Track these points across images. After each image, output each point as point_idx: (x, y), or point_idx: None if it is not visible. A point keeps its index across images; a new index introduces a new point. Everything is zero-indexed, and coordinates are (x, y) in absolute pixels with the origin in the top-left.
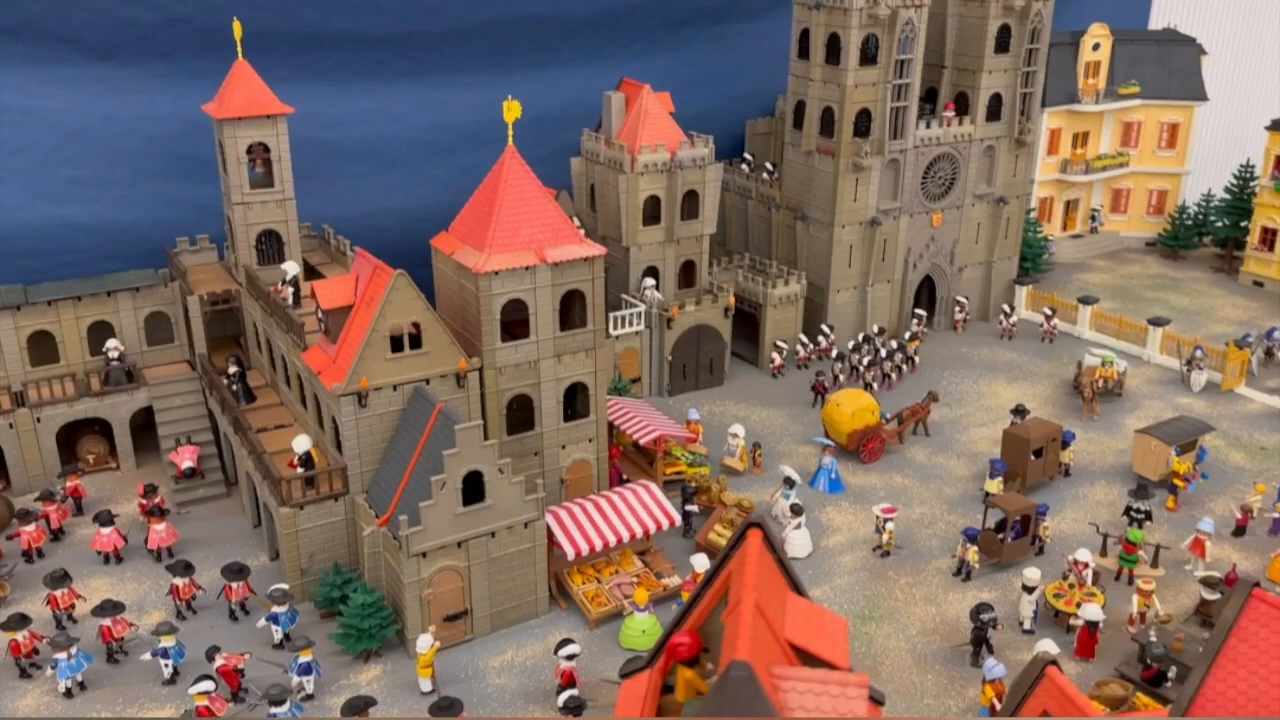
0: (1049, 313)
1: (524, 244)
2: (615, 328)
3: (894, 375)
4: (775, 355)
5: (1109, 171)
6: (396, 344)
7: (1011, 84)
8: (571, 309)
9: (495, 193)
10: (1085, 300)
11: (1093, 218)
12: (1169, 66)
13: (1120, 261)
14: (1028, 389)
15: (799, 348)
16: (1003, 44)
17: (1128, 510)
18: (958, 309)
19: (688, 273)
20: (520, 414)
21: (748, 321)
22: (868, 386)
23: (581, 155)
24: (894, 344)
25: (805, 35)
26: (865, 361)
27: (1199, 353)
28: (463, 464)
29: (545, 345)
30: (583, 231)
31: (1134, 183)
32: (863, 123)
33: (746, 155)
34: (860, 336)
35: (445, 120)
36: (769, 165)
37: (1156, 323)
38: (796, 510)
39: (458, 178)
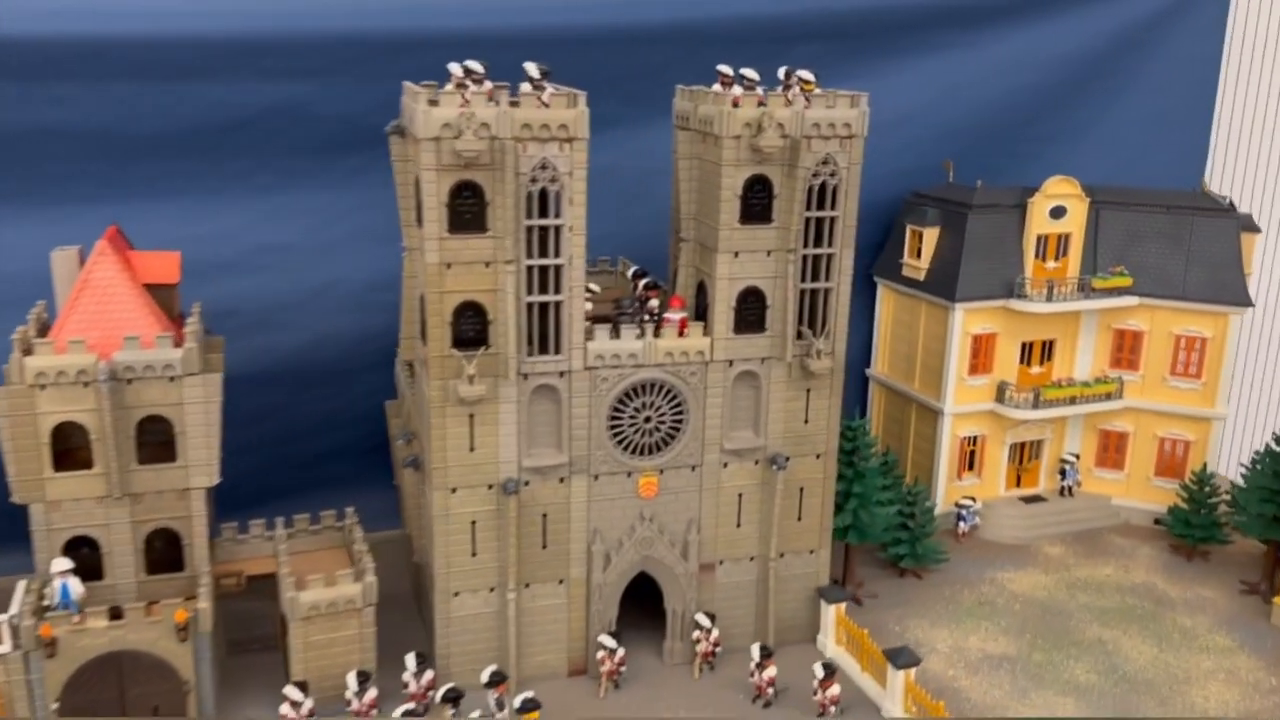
0: (821, 674)
1: None
2: None
3: None
4: (289, 710)
5: (1087, 404)
6: None
7: (779, 273)
8: None
9: None
10: (897, 659)
11: (1062, 473)
12: (1189, 248)
13: (1090, 550)
14: None
15: (349, 696)
16: (757, 209)
17: None
18: (698, 634)
19: (169, 550)
20: None
21: None
22: None
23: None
24: (496, 709)
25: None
26: None
27: None
28: None
29: None
30: None
31: (1134, 424)
32: (472, 324)
33: None
34: (487, 674)
35: None
36: None
37: None
38: None
39: None
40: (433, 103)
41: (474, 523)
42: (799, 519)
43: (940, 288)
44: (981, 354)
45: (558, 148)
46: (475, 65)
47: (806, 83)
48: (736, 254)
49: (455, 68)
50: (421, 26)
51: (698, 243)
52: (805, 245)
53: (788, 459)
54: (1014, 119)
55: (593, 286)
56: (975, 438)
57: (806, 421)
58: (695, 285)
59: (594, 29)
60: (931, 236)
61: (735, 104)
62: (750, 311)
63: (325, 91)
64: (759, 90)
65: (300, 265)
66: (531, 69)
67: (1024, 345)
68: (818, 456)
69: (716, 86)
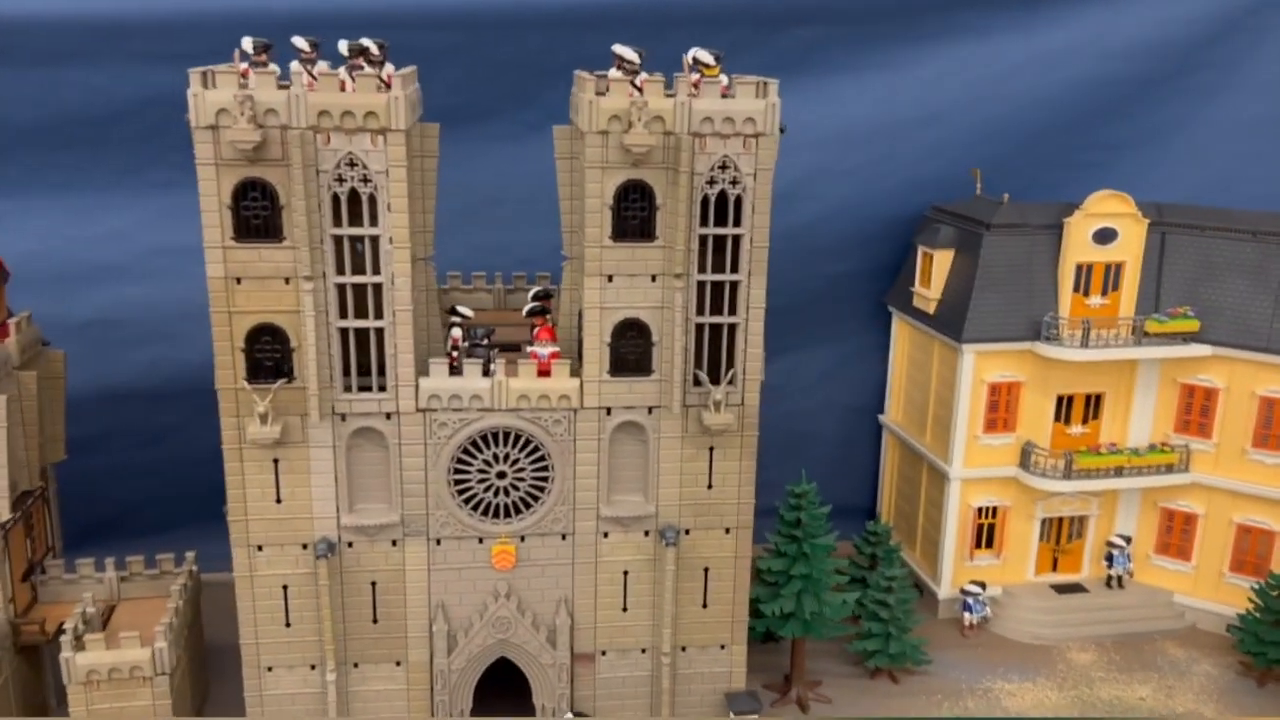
0: None
1: None
2: None
3: None
4: None
5: (1139, 477)
6: None
7: (666, 303)
8: None
9: None
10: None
11: (1109, 558)
12: (1277, 285)
13: (1131, 660)
14: None
15: None
16: (635, 222)
17: None
18: None
19: None
20: None
21: None
22: None
23: None
24: None
25: None
26: None
27: None
28: None
29: None
30: None
31: (1205, 504)
32: (270, 351)
33: None
34: None
35: None
36: None
37: None
38: None
39: None
40: (209, 85)
41: (286, 587)
42: (704, 605)
43: (949, 324)
44: (1002, 407)
45: (369, 140)
46: (301, 42)
47: (707, 66)
48: (610, 277)
49: (247, 42)
50: (337, 3)
51: (578, 262)
52: (702, 270)
53: (684, 532)
54: (1071, 122)
55: (464, 310)
56: (994, 508)
57: (710, 487)
58: (578, 314)
59: (545, 9)
60: (944, 260)
61: (601, 91)
62: (630, 349)
63: None
64: (642, 75)
65: (199, 270)
66: (343, 45)
67: (1060, 399)
68: (727, 531)
69: (613, 71)
